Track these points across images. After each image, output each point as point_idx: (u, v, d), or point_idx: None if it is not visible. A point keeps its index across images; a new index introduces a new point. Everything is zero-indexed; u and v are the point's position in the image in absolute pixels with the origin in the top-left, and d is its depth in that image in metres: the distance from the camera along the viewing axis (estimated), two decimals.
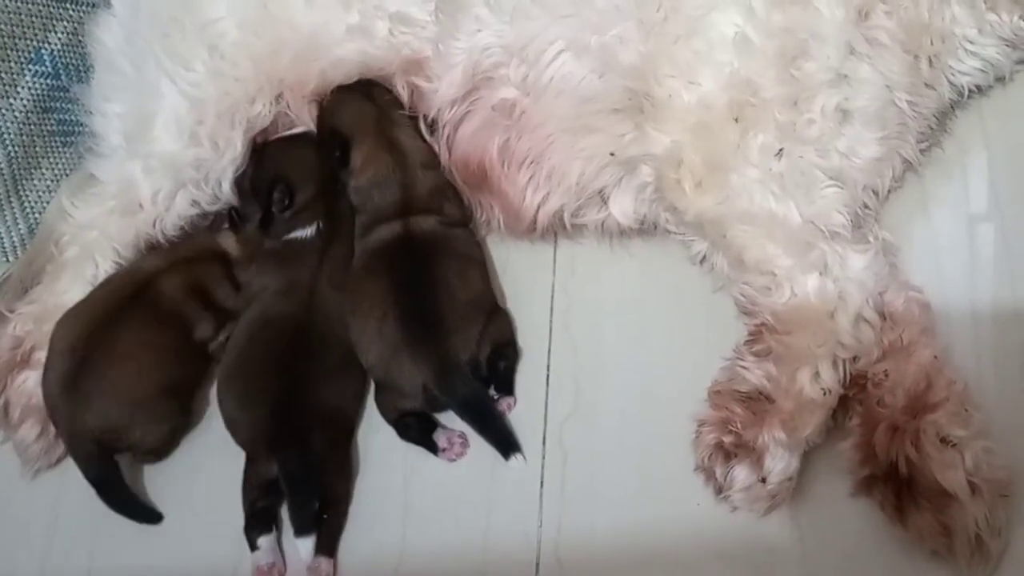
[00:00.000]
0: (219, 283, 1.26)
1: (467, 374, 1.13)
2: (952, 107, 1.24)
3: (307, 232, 1.26)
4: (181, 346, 1.22)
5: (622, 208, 1.22)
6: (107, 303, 1.21)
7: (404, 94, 1.30)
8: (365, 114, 1.28)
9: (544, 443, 1.16)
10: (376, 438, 1.18)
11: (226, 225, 1.31)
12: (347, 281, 1.22)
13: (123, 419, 1.16)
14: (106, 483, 1.14)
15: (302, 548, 1.09)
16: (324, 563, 1.09)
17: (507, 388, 1.18)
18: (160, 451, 1.21)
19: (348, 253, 1.25)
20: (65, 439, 1.18)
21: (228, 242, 1.30)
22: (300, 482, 1.10)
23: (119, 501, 1.15)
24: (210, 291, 1.25)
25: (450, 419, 1.17)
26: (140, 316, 1.20)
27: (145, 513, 1.16)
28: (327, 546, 1.10)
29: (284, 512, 1.13)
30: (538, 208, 1.24)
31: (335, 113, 1.30)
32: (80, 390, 1.15)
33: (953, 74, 1.20)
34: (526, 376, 1.20)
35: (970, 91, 1.23)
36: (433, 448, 1.15)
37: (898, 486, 1.00)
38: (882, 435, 1.02)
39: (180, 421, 1.22)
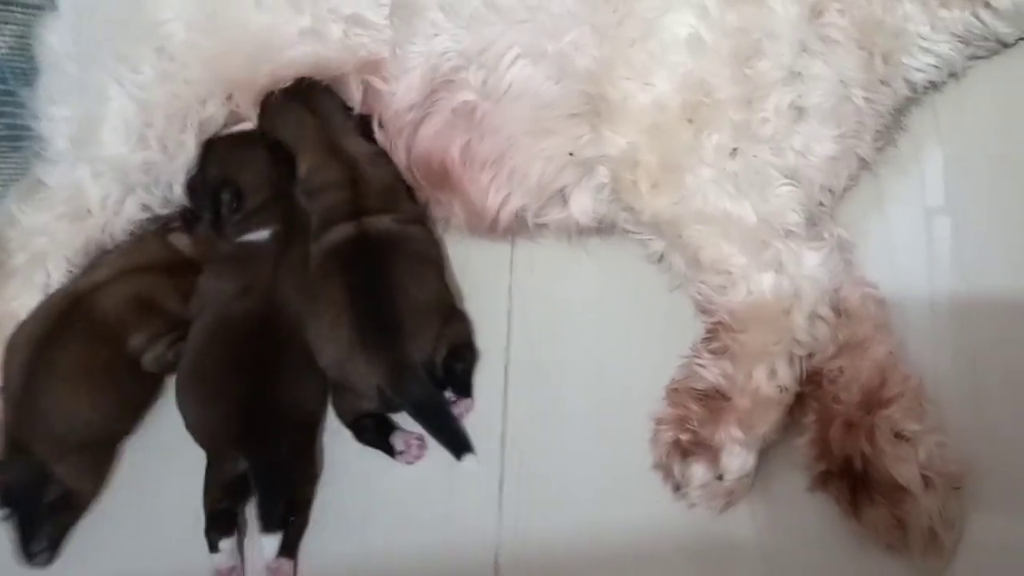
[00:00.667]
0: (167, 294, 1.24)
1: (421, 376, 1.13)
2: (907, 103, 1.25)
3: (262, 235, 1.25)
4: (115, 364, 1.21)
5: (582, 207, 1.22)
6: (43, 324, 1.20)
7: (358, 93, 1.29)
8: (303, 123, 1.28)
9: (503, 443, 1.16)
10: (336, 440, 1.18)
11: (178, 225, 1.29)
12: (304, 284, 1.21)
13: (67, 435, 1.15)
14: (22, 500, 1.13)
15: (267, 545, 1.09)
16: (285, 564, 1.09)
17: (465, 390, 1.18)
18: (81, 496, 1.18)
19: (306, 256, 1.23)
20: (5, 440, 1.16)
21: (181, 242, 1.29)
22: (270, 479, 1.10)
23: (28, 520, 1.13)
24: (157, 302, 1.24)
25: (408, 421, 1.16)
26: (76, 336, 1.19)
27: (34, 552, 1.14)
28: (289, 547, 1.10)
29: (245, 514, 1.13)
30: (500, 207, 1.24)
31: (275, 124, 1.29)
32: (31, 407, 1.15)
33: (907, 71, 1.21)
34: (484, 376, 1.20)
35: (924, 87, 1.23)
36: (390, 451, 1.15)
37: (853, 481, 1.01)
38: (837, 431, 1.03)
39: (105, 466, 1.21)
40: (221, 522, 1.12)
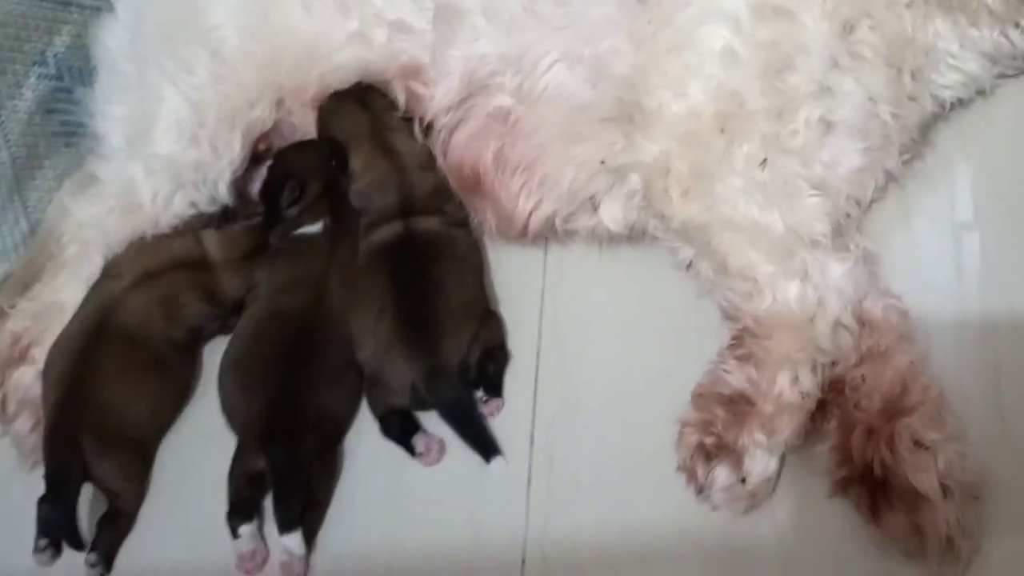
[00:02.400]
0: (187, 290, 1.28)
1: (455, 378, 1.15)
2: (934, 120, 1.26)
3: (315, 228, 1.29)
4: (160, 362, 1.25)
5: (612, 215, 1.24)
6: (81, 336, 1.23)
7: (401, 98, 1.32)
8: (359, 121, 1.31)
9: (531, 443, 1.17)
10: (366, 438, 1.19)
11: (211, 221, 1.33)
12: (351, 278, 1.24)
13: (115, 428, 1.18)
14: (63, 489, 1.15)
15: (287, 544, 1.10)
16: (298, 560, 1.11)
17: (495, 390, 1.20)
18: (125, 494, 1.20)
19: (355, 250, 1.27)
20: (46, 433, 1.19)
21: (211, 243, 1.32)
22: (288, 480, 1.11)
23: (63, 511, 1.14)
24: (178, 300, 1.27)
25: (431, 423, 1.18)
26: (111, 343, 1.22)
27: (74, 537, 1.15)
28: (304, 543, 1.11)
29: (267, 502, 1.14)
30: (530, 213, 1.26)
31: (330, 121, 1.33)
32: (78, 405, 1.18)
33: (935, 88, 1.22)
34: (515, 377, 1.22)
35: (952, 104, 1.25)
36: (411, 450, 1.16)
37: (873, 487, 1.01)
38: (858, 438, 1.03)
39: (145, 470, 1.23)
40: (243, 509, 1.13)
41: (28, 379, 1.26)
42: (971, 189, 1.27)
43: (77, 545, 1.15)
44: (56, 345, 1.25)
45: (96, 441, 1.17)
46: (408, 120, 1.32)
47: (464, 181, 1.29)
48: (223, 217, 1.35)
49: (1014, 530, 1.01)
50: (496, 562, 1.10)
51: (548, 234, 1.29)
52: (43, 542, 1.15)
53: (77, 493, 1.15)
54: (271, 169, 1.35)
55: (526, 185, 1.25)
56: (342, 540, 1.14)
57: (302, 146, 1.37)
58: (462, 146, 1.28)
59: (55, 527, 1.15)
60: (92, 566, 1.14)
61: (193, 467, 1.22)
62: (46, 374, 1.23)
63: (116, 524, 1.18)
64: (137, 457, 1.21)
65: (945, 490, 0.99)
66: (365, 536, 1.14)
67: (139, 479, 1.21)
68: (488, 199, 1.28)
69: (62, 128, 1.43)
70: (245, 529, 1.13)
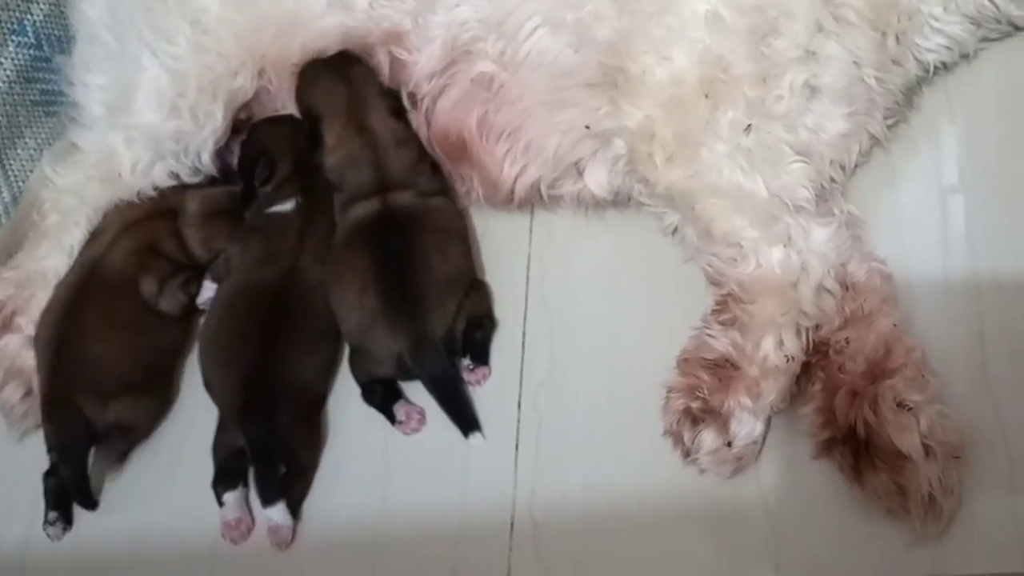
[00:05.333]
0: (167, 238, 1.28)
1: (441, 350, 1.15)
2: (919, 84, 1.27)
3: (287, 206, 1.28)
4: (144, 313, 1.25)
5: (597, 180, 1.24)
6: (65, 297, 1.24)
7: (385, 65, 1.31)
8: (337, 95, 1.30)
9: (519, 408, 1.18)
10: (355, 404, 1.20)
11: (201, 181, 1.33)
12: (330, 253, 1.24)
13: (111, 387, 1.18)
14: (72, 453, 1.15)
15: (271, 515, 1.11)
16: (285, 527, 1.12)
17: (482, 358, 1.20)
18: (139, 429, 1.22)
19: (329, 227, 1.27)
20: (44, 401, 1.19)
21: (192, 199, 1.32)
22: (265, 454, 1.12)
23: (76, 474, 1.15)
24: (158, 246, 1.27)
25: (413, 392, 1.19)
26: (94, 297, 1.23)
27: (87, 497, 1.16)
28: (289, 510, 1.12)
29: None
30: (516, 179, 1.26)
31: (308, 91, 1.32)
32: (68, 367, 1.18)
33: (919, 51, 1.22)
34: (502, 343, 1.23)
35: (936, 68, 1.25)
36: (391, 418, 1.17)
37: (856, 448, 1.03)
38: (842, 400, 1.04)
39: (160, 398, 1.24)
40: (227, 477, 1.14)
41: (14, 347, 1.25)
42: (956, 152, 1.27)
43: (91, 505, 1.16)
44: (45, 311, 1.25)
45: (94, 396, 1.17)
46: (393, 92, 1.31)
47: (450, 148, 1.28)
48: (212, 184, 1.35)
49: (995, 488, 1.03)
50: (484, 526, 1.11)
51: (534, 200, 1.29)
52: (53, 515, 1.17)
53: (86, 455, 1.16)
54: (243, 145, 1.34)
55: (511, 151, 1.25)
56: (330, 506, 1.15)
57: (273, 122, 1.36)
58: (446, 113, 1.27)
59: (69, 493, 1.16)
60: (54, 524, 1.17)
61: (185, 433, 1.23)
62: (37, 339, 1.23)
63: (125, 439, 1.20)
64: (142, 396, 1.22)
65: (927, 450, 1.00)
66: (353, 501, 1.15)
67: (152, 413, 1.22)
68: (474, 166, 1.28)
69: (42, 97, 1.41)
70: (230, 496, 1.14)
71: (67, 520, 1.17)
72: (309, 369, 1.19)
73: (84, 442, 1.16)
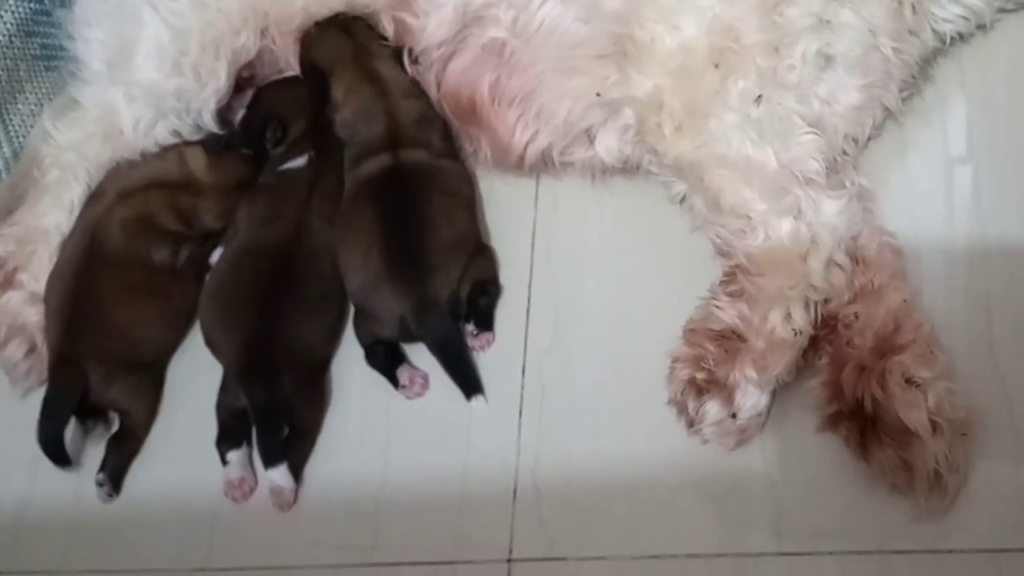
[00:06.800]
0: (161, 211, 1.26)
1: (444, 313, 1.15)
2: (935, 55, 1.25)
3: (300, 162, 1.27)
4: (153, 283, 1.24)
5: (607, 147, 1.24)
6: (76, 259, 1.23)
7: (390, 28, 1.30)
8: (342, 47, 1.29)
9: (523, 374, 1.18)
10: (359, 368, 1.19)
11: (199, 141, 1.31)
12: (338, 212, 1.23)
13: (122, 358, 1.18)
14: (58, 411, 1.15)
15: (273, 477, 1.11)
16: (287, 489, 1.12)
17: (487, 324, 1.20)
18: (134, 416, 1.20)
19: (338, 185, 1.26)
20: (51, 362, 1.19)
21: (197, 164, 1.30)
22: (268, 418, 1.12)
23: (54, 431, 1.15)
24: (152, 219, 1.26)
25: (416, 355, 1.19)
26: (104, 266, 1.22)
27: (61, 455, 1.16)
28: (291, 473, 1.12)
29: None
30: (527, 145, 1.25)
31: (312, 48, 1.31)
32: (85, 329, 1.18)
33: (936, 21, 1.21)
34: (507, 309, 1.22)
35: (952, 38, 1.23)
36: (394, 382, 1.17)
37: (863, 423, 1.03)
38: (850, 374, 1.04)
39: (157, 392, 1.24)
40: (231, 435, 1.15)
41: (16, 304, 1.25)
42: (967, 125, 1.26)
43: (64, 462, 1.16)
44: (54, 271, 1.24)
45: (103, 365, 1.17)
46: (398, 49, 1.29)
47: (460, 111, 1.27)
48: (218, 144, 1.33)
49: (1000, 463, 1.03)
50: (487, 492, 1.11)
51: (544, 166, 1.29)
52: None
53: (68, 420, 1.15)
54: (251, 108, 1.33)
55: (523, 117, 1.24)
56: (333, 469, 1.15)
57: (282, 84, 1.35)
58: (457, 75, 1.26)
59: (42, 448, 1.15)
60: (100, 485, 1.16)
61: (192, 392, 1.22)
62: (47, 301, 1.23)
63: (125, 444, 1.19)
64: (146, 377, 1.22)
65: (934, 426, 1.00)
66: (356, 465, 1.15)
67: (149, 398, 1.22)
68: (484, 129, 1.27)
69: (42, 51, 1.40)
70: (233, 455, 1.14)
71: (115, 487, 1.17)
72: (313, 332, 1.19)
73: (72, 407, 1.16)
